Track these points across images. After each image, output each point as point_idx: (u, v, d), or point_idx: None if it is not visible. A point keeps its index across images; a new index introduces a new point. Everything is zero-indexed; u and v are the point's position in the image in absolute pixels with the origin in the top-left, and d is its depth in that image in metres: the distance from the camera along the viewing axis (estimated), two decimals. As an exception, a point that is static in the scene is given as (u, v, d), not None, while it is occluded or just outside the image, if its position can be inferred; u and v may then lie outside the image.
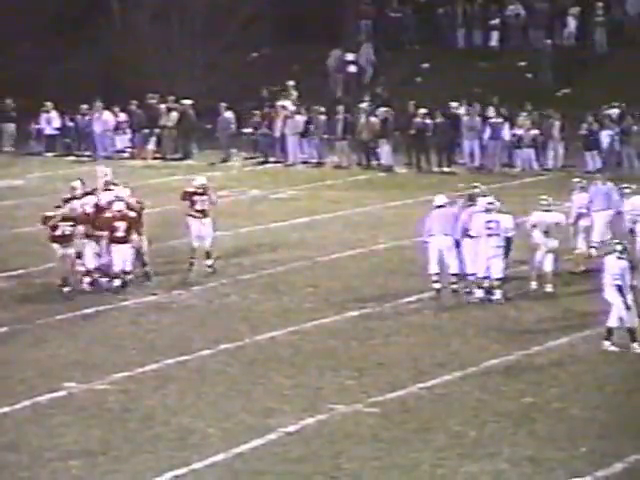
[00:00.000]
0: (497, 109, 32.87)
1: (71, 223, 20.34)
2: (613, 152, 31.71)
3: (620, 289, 17.18)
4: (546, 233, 20.34)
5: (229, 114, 34.80)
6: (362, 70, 38.88)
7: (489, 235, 19.97)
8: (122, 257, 20.53)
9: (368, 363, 17.11)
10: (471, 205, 20.51)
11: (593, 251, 21.73)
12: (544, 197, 21.24)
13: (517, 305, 19.89)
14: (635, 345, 17.29)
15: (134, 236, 20.67)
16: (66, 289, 20.28)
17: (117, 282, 20.54)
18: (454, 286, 20.15)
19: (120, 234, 20.38)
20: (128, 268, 20.61)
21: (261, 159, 34.79)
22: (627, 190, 21.99)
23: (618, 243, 17.82)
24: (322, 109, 34.44)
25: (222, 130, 34.90)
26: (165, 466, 13.11)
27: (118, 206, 20.63)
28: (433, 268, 20.07)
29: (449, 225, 20.11)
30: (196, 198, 21.74)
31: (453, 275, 20.15)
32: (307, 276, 21.86)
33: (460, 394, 15.79)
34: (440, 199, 20.47)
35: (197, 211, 21.66)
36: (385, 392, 15.80)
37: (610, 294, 17.31)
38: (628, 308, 17.21)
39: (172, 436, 14.40)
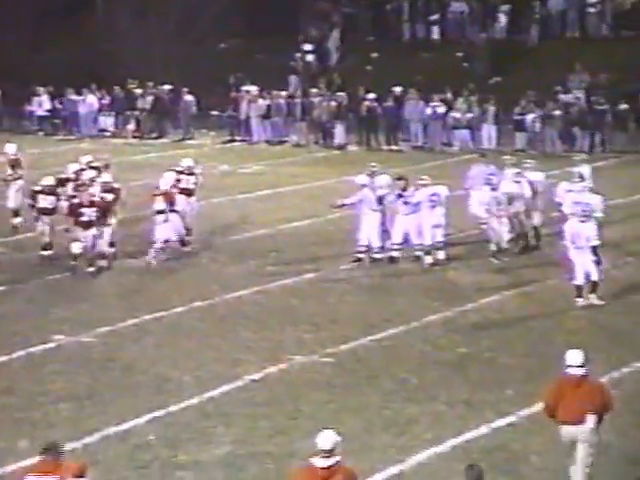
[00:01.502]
0: (437, 95, 32.95)
1: (95, 209, 19.43)
2: (536, 133, 31.78)
3: (595, 249, 17.18)
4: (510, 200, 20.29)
5: (190, 97, 34.72)
6: (330, 54, 38.79)
7: (432, 206, 20.06)
8: (90, 240, 19.43)
9: (324, 319, 17.16)
10: (372, 182, 20.39)
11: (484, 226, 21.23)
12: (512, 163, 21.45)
13: (455, 267, 20.00)
14: (593, 296, 17.35)
15: (112, 220, 19.81)
16: (91, 269, 19.40)
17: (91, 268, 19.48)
18: (395, 253, 20.07)
19: (86, 219, 19.34)
20: (104, 249, 19.64)
21: (228, 138, 34.76)
22: (527, 165, 21.98)
23: (583, 210, 17.73)
24: (282, 93, 34.37)
25: (183, 111, 34.82)
26: (144, 409, 13.12)
27: (68, 190, 19.89)
28: (362, 239, 19.98)
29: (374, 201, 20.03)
30: (182, 177, 21.44)
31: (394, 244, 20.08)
32: (270, 242, 21.86)
33: (404, 345, 15.89)
34: (361, 179, 20.29)
35: (182, 189, 21.26)
36: (338, 344, 15.85)
37: (577, 254, 17.23)
38: (599, 263, 17.24)
39: (150, 383, 14.41)
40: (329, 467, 9.41)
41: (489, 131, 32.16)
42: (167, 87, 35.36)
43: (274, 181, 27.96)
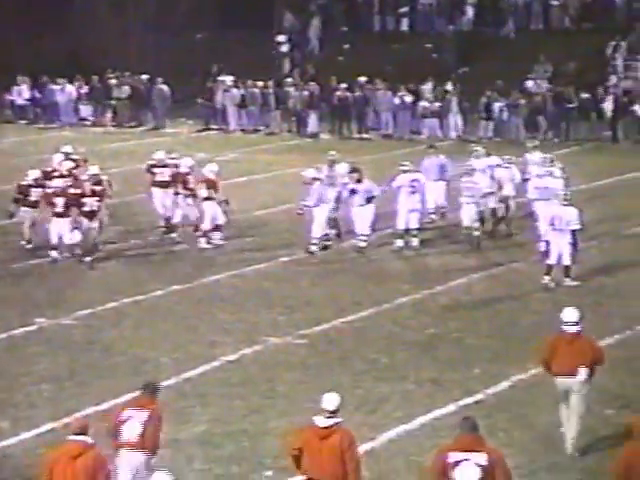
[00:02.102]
0: (406, 85, 32.94)
1: (98, 199, 19.03)
2: (503, 122, 31.83)
3: (574, 232, 17.29)
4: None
5: (164, 87, 34.55)
6: (310, 42, 38.72)
7: (412, 192, 20.05)
8: (59, 231, 18.95)
9: (297, 302, 17.15)
10: (332, 170, 20.34)
11: (433, 216, 21.50)
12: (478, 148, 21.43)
13: (424, 251, 20.03)
14: (567, 280, 17.44)
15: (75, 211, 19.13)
16: (88, 258, 18.92)
17: (54, 254, 19.01)
18: (362, 244, 19.68)
19: (59, 209, 18.92)
20: (67, 241, 19.05)
21: (204, 126, 34.64)
22: (478, 150, 21.94)
23: (563, 193, 17.95)
24: (258, 83, 34.26)
25: (158, 101, 34.63)
26: (123, 389, 13.06)
27: (57, 182, 19.41)
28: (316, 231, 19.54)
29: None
30: (156, 170, 21.21)
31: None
32: (246, 227, 21.81)
33: (375, 327, 15.91)
34: (310, 172, 20.05)
35: (157, 182, 21.02)
36: (311, 326, 15.86)
37: (554, 236, 17.31)
38: (576, 246, 17.36)
39: (129, 364, 14.37)
40: (329, 427, 9.63)
41: (455, 120, 32.17)
42: (144, 77, 35.18)
43: (249, 168, 27.89)
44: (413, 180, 20.11)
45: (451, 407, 12.94)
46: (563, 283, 17.51)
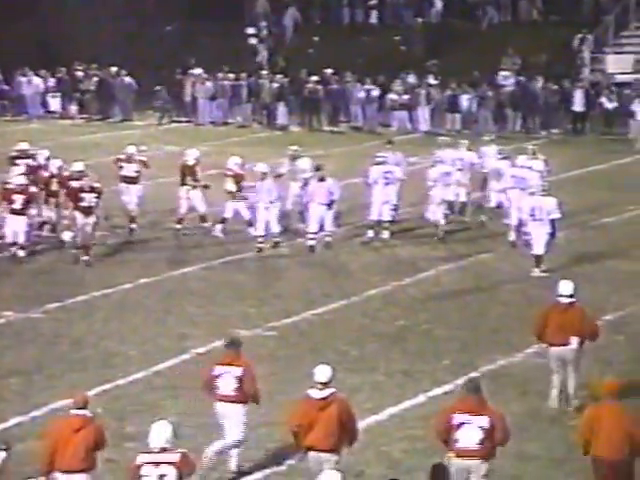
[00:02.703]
0: (375, 77, 32.95)
1: (96, 195, 18.44)
2: (471, 114, 31.91)
3: (553, 222, 17.51)
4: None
5: (129, 79, 34.39)
6: (285, 30, 38.67)
7: (386, 184, 20.08)
8: (15, 228, 18.52)
9: (267, 294, 17.15)
10: (293, 165, 20.37)
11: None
12: (463, 141, 21.46)
13: (394, 243, 20.07)
14: (536, 270, 17.56)
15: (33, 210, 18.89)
16: (85, 257, 18.34)
17: (14, 250, 18.55)
18: (311, 242, 19.36)
19: (17, 206, 18.49)
20: (20, 240, 18.54)
21: (174, 118, 34.53)
22: (442, 139, 22.10)
23: (543, 185, 18.18)
24: (229, 75, 34.16)
25: (123, 93, 34.47)
26: (93, 383, 13.04)
27: (19, 180, 18.93)
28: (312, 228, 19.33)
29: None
30: (123, 165, 20.98)
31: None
32: (215, 220, 21.75)
33: (345, 319, 15.93)
34: (260, 167, 19.67)
35: (124, 177, 20.79)
36: (281, 318, 15.86)
37: (535, 226, 17.52)
38: (554, 236, 17.60)
39: (98, 357, 14.33)
40: (325, 398, 10.11)
41: (424, 113, 32.19)
42: (113, 69, 34.96)
43: (220, 161, 27.79)
44: (387, 172, 20.16)
45: (421, 398, 12.99)
46: (532, 273, 17.62)
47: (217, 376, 11.16)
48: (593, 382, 10.95)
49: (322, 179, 19.27)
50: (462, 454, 9.88)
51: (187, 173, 20.76)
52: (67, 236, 18.89)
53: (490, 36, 35.25)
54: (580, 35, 34.27)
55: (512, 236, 19.61)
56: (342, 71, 33.33)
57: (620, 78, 32.61)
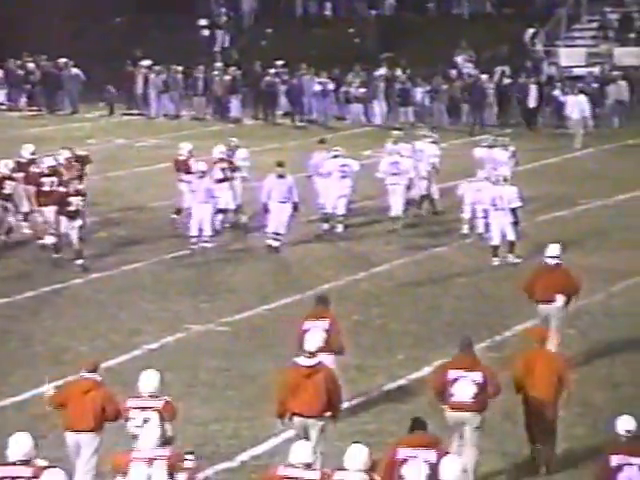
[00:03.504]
0: (329, 70, 32.93)
1: (81, 197, 18.02)
2: (425, 107, 31.97)
3: (514, 211, 17.88)
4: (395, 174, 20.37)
5: (76, 70, 34.12)
6: (244, 18, 38.53)
7: (343, 177, 20.11)
8: None
9: (220, 289, 17.13)
10: (231, 154, 20.28)
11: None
12: (429, 134, 21.57)
13: (348, 237, 20.11)
14: (510, 256, 17.81)
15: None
16: (79, 261, 17.80)
17: None
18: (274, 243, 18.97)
19: (73, 208, 17.99)
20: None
21: (124, 111, 34.36)
22: (396, 133, 22.02)
23: (503, 175, 18.49)
24: (179, 68, 34.02)
25: (70, 85, 34.20)
26: (43, 379, 12.93)
27: None
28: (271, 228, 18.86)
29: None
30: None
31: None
32: (168, 214, 21.65)
33: (298, 314, 15.78)
34: (202, 166, 19.22)
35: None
36: (234, 313, 15.84)
37: (495, 216, 17.82)
38: (517, 224, 17.98)
39: (49, 354, 14.24)
40: (312, 366, 10.68)
41: (379, 106, 32.18)
42: (62, 60, 34.63)
43: (172, 154, 27.66)
44: (343, 165, 20.21)
45: (374, 393, 13.03)
46: (507, 260, 17.89)
47: (306, 330, 12.03)
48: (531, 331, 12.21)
49: (281, 176, 18.79)
50: (457, 407, 10.67)
51: (180, 168, 20.45)
52: (49, 240, 18.24)
53: (443, 29, 35.37)
54: (533, 29, 34.50)
55: (465, 229, 19.75)
56: (295, 64, 33.30)
57: (574, 72, 32.85)
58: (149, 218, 21.39)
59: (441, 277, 17.63)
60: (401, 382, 13.35)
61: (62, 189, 18.27)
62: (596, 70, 32.39)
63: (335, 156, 20.35)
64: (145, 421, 10.05)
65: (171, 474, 9.32)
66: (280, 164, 19.14)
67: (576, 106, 28.94)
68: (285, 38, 36.64)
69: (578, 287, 13.89)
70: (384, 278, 17.68)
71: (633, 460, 9.44)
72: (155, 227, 20.64)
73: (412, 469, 9.50)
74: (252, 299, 16.50)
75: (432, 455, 9.47)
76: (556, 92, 31.06)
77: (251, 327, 15.36)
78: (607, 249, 17.35)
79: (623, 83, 31.07)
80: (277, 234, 18.66)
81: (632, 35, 33.66)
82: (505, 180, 18.32)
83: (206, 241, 18.66)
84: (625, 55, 33.10)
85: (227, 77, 33.46)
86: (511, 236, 17.94)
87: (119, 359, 13.98)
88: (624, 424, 9.54)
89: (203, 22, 38.47)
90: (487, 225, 18.54)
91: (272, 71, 32.95)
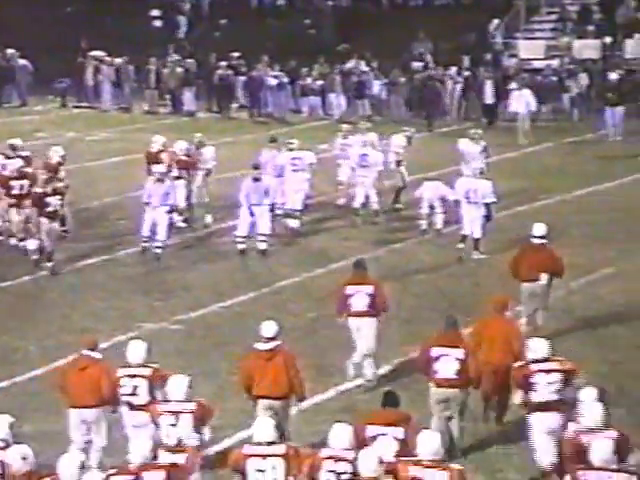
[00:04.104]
0: (285, 62, 32.88)
1: (59, 197, 17.74)
2: (382, 100, 31.95)
3: (488, 205, 18.16)
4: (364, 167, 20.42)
5: (24, 62, 33.78)
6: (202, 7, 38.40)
7: (295, 170, 20.07)
8: None
9: (174, 287, 17.05)
10: (199, 149, 20.26)
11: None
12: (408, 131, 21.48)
13: (305, 233, 20.09)
14: (476, 252, 17.96)
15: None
16: (50, 264, 17.50)
17: None
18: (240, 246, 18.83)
19: (52, 209, 17.65)
20: None
21: (75, 103, 34.10)
22: (345, 127, 22.05)
23: (480, 169, 18.74)
24: (122, 59, 33.74)
25: (18, 77, 33.86)
26: None
27: None
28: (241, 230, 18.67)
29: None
30: (7, 162, 19.43)
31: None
32: (119, 209, 21.54)
33: (254, 312, 15.86)
34: (159, 168, 18.93)
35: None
36: (188, 311, 15.78)
37: (468, 209, 17.99)
38: (490, 219, 18.30)
39: (-3, 354, 14.12)
40: (271, 350, 11.30)
41: (337, 99, 32.08)
42: (10, 51, 34.19)
43: (123, 148, 27.54)
44: (294, 158, 20.19)
45: (331, 392, 13.03)
46: (472, 256, 18.00)
47: (350, 295, 13.06)
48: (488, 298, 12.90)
49: (257, 179, 18.42)
50: (441, 384, 11.33)
51: (151, 161, 20.29)
52: (32, 244, 17.74)
53: (401, 20, 35.40)
54: (493, 20, 34.62)
55: (424, 225, 19.80)
56: (251, 56, 33.20)
57: (533, 65, 32.98)
58: (100, 214, 21.23)
59: (400, 274, 17.66)
60: (359, 381, 13.34)
61: (39, 189, 17.85)
62: (555, 63, 32.53)
63: (290, 149, 20.30)
64: (135, 388, 10.89)
65: (197, 427, 10.21)
66: (256, 167, 18.76)
67: (521, 100, 28.59)
68: (240, 29, 36.55)
69: (562, 267, 14.64)
70: (342, 274, 17.61)
71: None
72: (107, 223, 20.49)
73: (382, 446, 9.80)
74: (207, 297, 16.43)
75: (401, 432, 9.90)
76: (513, 85, 31.15)
77: (206, 325, 15.30)
78: (567, 245, 17.41)
79: (583, 76, 31.23)
80: (262, 235, 18.39)
81: (591, 27, 33.84)
82: (481, 173, 18.47)
83: (158, 247, 18.30)
84: (584, 48, 33.27)
85: (180, 69, 33.30)
86: (477, 233, 18.04)
87: (70, 358, 13.81)
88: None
89: (155, 12, 38.27)
90: (446, 221, 18.63)
91: (224, 63, 32.79)
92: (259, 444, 9.44)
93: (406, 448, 9.69)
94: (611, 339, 14.85)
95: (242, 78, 32.78)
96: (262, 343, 11.36)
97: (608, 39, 33.25)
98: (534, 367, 11.01)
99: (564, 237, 18.16)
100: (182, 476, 9.44)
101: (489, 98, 30.55)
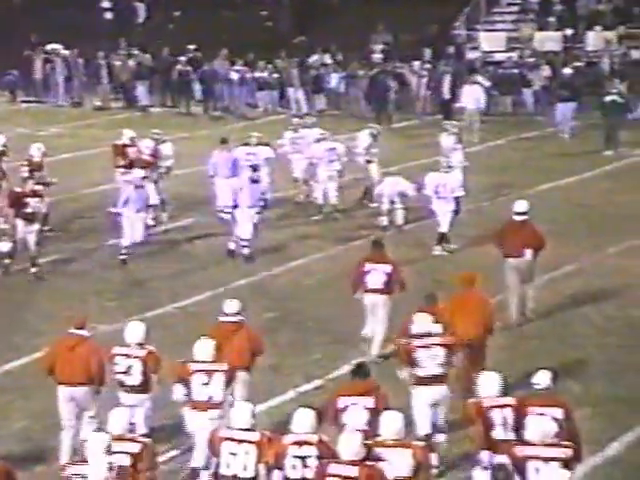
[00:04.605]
0: (241, 55, 32.83)
1: (38, 199, 17.47)
2: (340, 94, 31.90)
3: (457, 199, 18.43)
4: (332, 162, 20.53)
5: None
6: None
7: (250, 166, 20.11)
8: None
9: (128, 286, 16.99)
10: (157, 145, 20.28)
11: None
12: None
13: (263, 230, 20.07)
14: (438, 247, 18.11)
15: None
16: (33, 269, 17.26)
17: None
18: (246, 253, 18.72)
19: (30, 210, 17.44)
20: None
21: (24, 98, 33.86)
22: (296, 120, 22.15)
23: (448, 162, 18.93)
24: (67, 52, 33.57)
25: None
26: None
27: None
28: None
29: None
30: None
31: None
32: (72, 205, 21.43)
33: (211, 311, 15.72)
34: (138, 172, 18.93)
35: None
36: (144, 311, 15.71)
37: (438, 204, 18.21)
38: (458, 213, 18.55)
39: (-55, 357, 13.99)
40: (233, 323, 12.07)
41: (296, 92, 31.98)
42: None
43: (75, 144, 27.40)
44: (249, 153, 20.19)
45: (290, 394, 13.04)
46: (434, 252, 18.25)
47: (367, 272, 14.04)
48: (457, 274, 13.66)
49: (255, 181, 18.24)
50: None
51: (118, 154, 20.15)
52: (5, 247, 17.46)
53: (361, 11, 35.41)
54: (455, 13, 34.62)
55: (385, 221, 19.86)
56: (206, 49, 33.09)
57: (495, 57, 33.08)
58: (51, 211, 21.08)
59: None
60: (318, 382, 13.39)
61: (18, 189, 17.60)
62: (515, 55, 32.67)
63: (245, 144, 20.29)
64: (129, 368, 11.41)
65: (228, 383, 11.11)
66: (254, 169, 18.57)
67: (470, 96, 28.13)
68: (194, 21, 36.45)
69: (544, 242, 15.44)
70: (301, 273, 17.69)
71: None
72: (58, 221, 20.36)
73: (353, 416, 10.34)
74: (163, 296, 16.39)
75: (371, 402, 10.37)
76: (479, 78, 31.19)
77: (161, 325, 15.24)
78: None
79: (545, 68, 31.34)
80: (245, 240, 18.10)
81: (552, 19, 34.05)
82: (450, 167, 18.57)
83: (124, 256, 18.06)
84: (545, 40, 33.48)
85: (132, 62, 33.15)
86: (444, 228, 18.19)
87: (20, 361, 13.80)
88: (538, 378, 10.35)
89: (106, 4, 38.07)
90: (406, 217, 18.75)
91: (183, 59, 32.64)
92: (235, 428, 9.72)
93: (376, 417, 9.95)
94: (573, 337, 14.97)
95: (199, 72, 32.64)
96: (225, 317, 12.16)
97: (569, 31, 33.47)
98: (417, 343, 11.58)
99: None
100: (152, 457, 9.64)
101: (447, 93, 30.30)
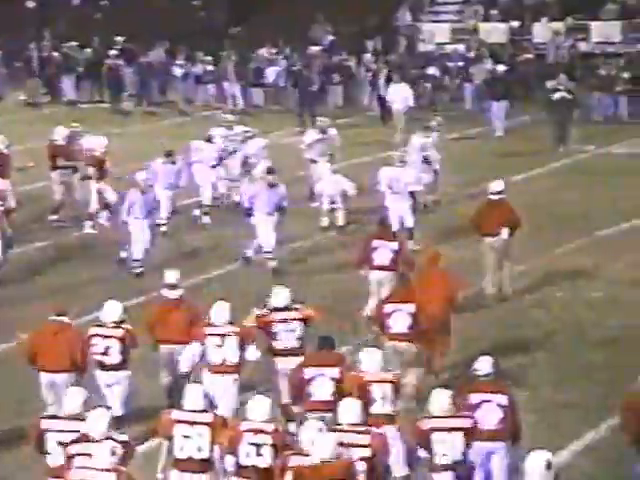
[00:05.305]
0: (174, 47, 32.91)
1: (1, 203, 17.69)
2: (279, 88, 31.96)
3: (413, 194, 19.09)
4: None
5: None
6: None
7: (199, 162, 20.51)
8: None
9: (61, 290, 17.14)
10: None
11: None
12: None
13: (199, 232, 20.39)
14: (410, 242, 18.09)
15: None
16: None
17: None
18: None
19: None
20: None
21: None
22: (229, 117, 22.51)
23: (400, 157, 19.27)
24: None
25: None
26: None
27: None
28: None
29: None
30: None
31: None
32: (22, 203, 21.33)
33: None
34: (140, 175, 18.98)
35: None
36: (80, 317, 15.84)
37: (393, 200, 18.61)
38: (415, 208, 19.04)
39: None
40: (177, 298, 12.91)
41: (232, 87, 31.97)
42: None
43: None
44: (197, 149, 20.73)
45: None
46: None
47: (375, 248, 15.03)
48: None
49: (273, 185, 17.86)
50: (395, 338, 12.77)
51: (57, 154, 20.27)
52: None
53: (300, 1, 35.57)
54: (407, 2, 34.86)
55: (325, 222, 20.25)
56: (136, 40, 33.17)
57: (445, 49, 33.36)
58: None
59: (304, 272, 17.88)
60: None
61: None
62: (461, 47, 33.05)
63: (208, 140, 20.78)
64: (107, 348, 12.06)
65: (242, 345, 11.85)
66: (270, 171, 18.27)
67: (397, 95, 27.41)
68: (123, 11, 36.48)
69: (520, 220, 16.42)
70: (242, 274, 17.97)
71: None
72: (16, 217, 20.36)
73: (319, 387, 11.10)
74: (95, 301, 16.47)
75: (337, 372, 11.10)
76: (431, 70, 31.43)
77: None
78: (475, 242, 17.77)
79: (488, 62, 31.49)
80: (269, 252, 17.77)
81: (497, 10, 34.52)
82: (402, 162, 18.88)
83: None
84: (491, 31, 33.93)
85: (57, 54, 33.18)
86: (409, 222, 18.52)
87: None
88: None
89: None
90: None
91: (114, 52, 32.65)
92: (187, 411, 10.14)
93: (341, 388, 10.79)
94: (522, 341, 15.22)
95: (133, 65, 32.53)
96: (167, 291, 12.95)
97: (515, 23, 34.00)
98: (274, 316, 12.36)
99: (472, 234, 18.57)
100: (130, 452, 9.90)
101: (382, 89, 29.86)
